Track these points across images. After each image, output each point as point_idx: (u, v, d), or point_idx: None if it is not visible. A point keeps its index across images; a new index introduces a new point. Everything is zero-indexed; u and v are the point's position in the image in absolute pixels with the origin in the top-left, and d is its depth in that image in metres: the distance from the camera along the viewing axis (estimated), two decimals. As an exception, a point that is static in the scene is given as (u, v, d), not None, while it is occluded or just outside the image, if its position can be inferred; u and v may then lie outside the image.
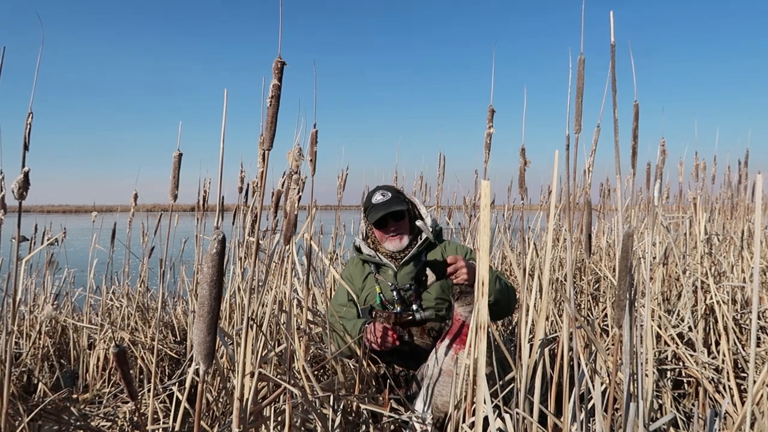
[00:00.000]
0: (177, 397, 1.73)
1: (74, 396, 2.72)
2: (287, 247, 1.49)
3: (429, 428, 1.65)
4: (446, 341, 1.76)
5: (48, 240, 3.86)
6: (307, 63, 1.47)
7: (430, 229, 2.10)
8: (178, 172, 1.47)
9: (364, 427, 1.68)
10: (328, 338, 2.03)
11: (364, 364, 1.76)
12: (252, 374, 1.19)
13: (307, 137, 1.60)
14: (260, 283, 1.84)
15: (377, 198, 2.15)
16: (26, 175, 1.09)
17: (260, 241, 2.87)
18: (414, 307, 2.03)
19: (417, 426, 1.59)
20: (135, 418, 2.10)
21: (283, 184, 1.68)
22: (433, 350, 1.81)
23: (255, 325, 1.26)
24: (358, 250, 2.22)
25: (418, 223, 2.05)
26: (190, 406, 2.29)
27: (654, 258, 2.96)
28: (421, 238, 2.15)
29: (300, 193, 1.33)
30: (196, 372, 1.72)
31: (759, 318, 2.67)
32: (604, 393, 1.39)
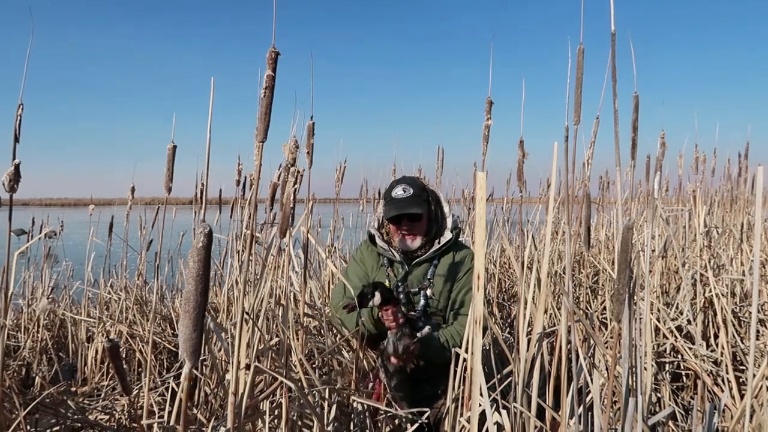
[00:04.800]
0: (173, 389, 1.73)
1: (73, 389, 2.72)
2: (284, 240, 1.48)
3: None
4: None
5: (44, 232, 3.85)
6: (305, 55, 1.45)
7: (451, 234, 2.01)
8: (172, 164, 1.45)
9: (359, 419, 1.68)
10: (327, 330, 2.00)
11: (361, 355, 1.74)
12: (247, 367, 1.18)
13: (304, 129, 1.58)
14: (257, 276, 1.83)
15: (397, 192, 2.02)
16: (17, 167, 1.07)
17: (257, 234, 2.86)
18: (417, 309, 1.95)
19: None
20: (132, 412, 2.10)
21: (279, 177, 1.67)
22: None
23: (250, 318, 1.25)
24: (372, 239, 2.11)
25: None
26: (188, 398, 2.29)
27: (653, 251, 2.95)
28: (438, 242, 2.03)
29: (296, 186, 1.31)
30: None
31: (758, 311, 2.67)
32: (602, 387, 1.38)
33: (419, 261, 2.03)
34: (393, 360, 1.77)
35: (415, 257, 2.04)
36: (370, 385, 1.95)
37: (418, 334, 1.82)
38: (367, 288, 1.75)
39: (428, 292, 1.97)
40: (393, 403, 1.77)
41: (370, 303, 1.73)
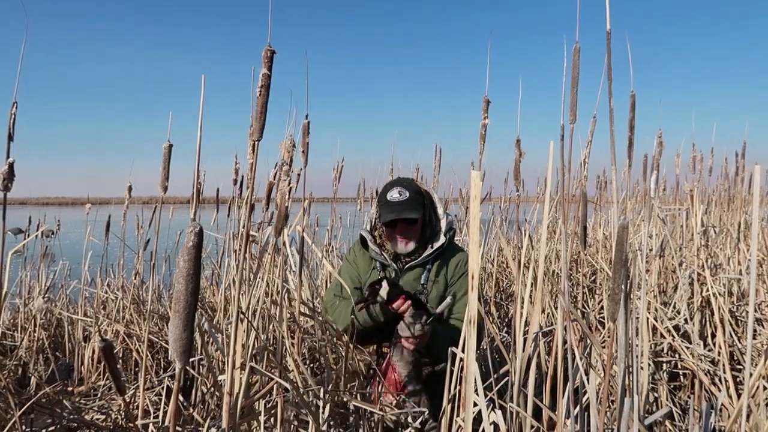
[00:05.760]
0: (169, 388, 1.72)
1: (69, 389, 2.71)
2: (279, 239, 1.47)
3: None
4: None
5: (41, 230, 3.83)
6: (302, 55, 1.45)
7: (444, 238, 2.00)
8: (168, 163, 1.45)
9: (354, 419, 1.68)
10: (324, 325, 1.99)
11: (351, 348, 1.74)
12: (242, 367, 1.18)
13: (300, 128, 1.58)
14: (252, 275, 1.82)
15: (393, 195, 1.97)
16: (11, 166, 1.07)
17: (253, 233, 2.85)
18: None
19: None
20: (128, 411, 2.09)
21: (274, 176, 1.67)
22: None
23: (245, 318, 1.25)
24: (364, 243, 2.09)
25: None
26: (185, 398, 2.29)
27: (650, 250, 2.95)
28: (431, 246, 2.01)
29: (291, 185, 1.31)
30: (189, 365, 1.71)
31: (755, 310, 2.67)
32: (599, 386, 1.38)
33: (411, 266, 2.02)
34: (407, 344, 1.80)
35: (407, 261, 2.03)
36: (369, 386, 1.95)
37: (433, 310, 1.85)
38: (375, 283, 1.77)
39: (422, 297, 1.96)
40: (407, 399, 1.78)
41: (378, 297, 1.75)
